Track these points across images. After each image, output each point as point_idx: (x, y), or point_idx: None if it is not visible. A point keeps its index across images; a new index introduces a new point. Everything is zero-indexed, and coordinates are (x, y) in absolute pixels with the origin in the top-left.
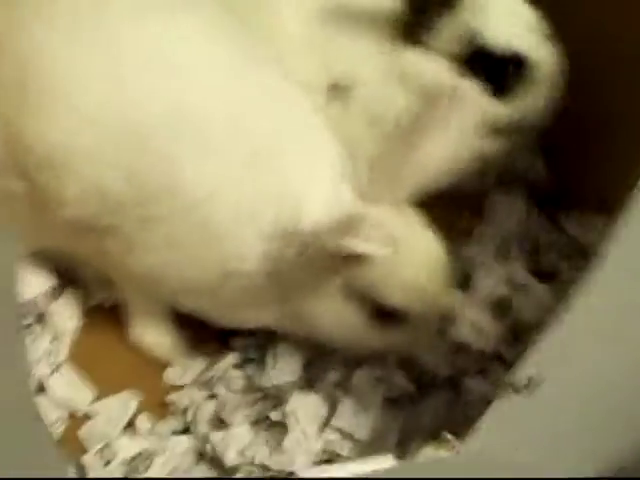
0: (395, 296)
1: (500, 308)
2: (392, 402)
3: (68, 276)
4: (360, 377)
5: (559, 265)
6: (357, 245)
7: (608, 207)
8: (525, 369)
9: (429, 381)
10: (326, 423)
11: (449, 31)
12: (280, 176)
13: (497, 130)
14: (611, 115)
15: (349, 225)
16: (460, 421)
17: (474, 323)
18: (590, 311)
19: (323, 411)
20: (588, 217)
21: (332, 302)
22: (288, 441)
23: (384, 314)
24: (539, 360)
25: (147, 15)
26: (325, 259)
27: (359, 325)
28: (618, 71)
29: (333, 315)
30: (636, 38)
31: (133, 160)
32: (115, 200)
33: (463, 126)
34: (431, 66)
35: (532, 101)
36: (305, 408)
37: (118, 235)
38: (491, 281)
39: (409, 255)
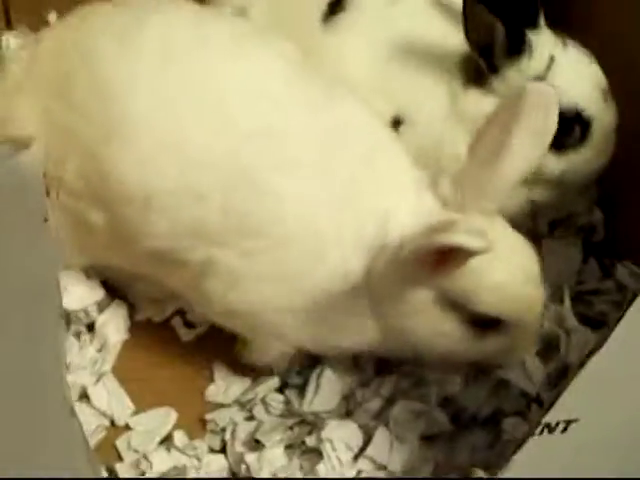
0: (490, 302)
1: (547, 350)
2: (429, 438)
3: (117, 289)
4: (399, 410)
5: (609, 313)
6: (454, 238)
7: None
8: (561, 411)
9: (468, 419)
10: (361, 452)
11: (514, 77)
12: (373, 194)
13: (549, 181)
14: None
15: (441, 226)
16: (495, 461)
17: (522, 364)
18: (625, 353)
19: (359, 441)
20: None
21: (429, 314)
22: (322, 467)
23: (481, 323)
24: (575, 402)
25: (245, 50)
26: (419, 266)
27: (457, 335)
28: None
29: (431, 327)
30: None
31: (229, 192)
32: (212, 233)
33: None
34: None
35: (587, 157)
36: (341, 436)
37: (219, 270)
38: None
39: (503, 259)
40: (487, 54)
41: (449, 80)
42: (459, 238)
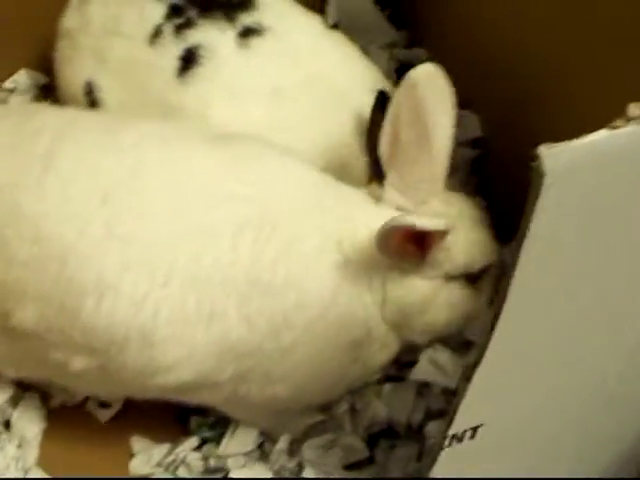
0: (475, 260)
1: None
2: (353, 465)
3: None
4: (309, 446)
5: None
6: (416, 221)
7: None
8: (464, 420)
9: (390, 434)
10: None
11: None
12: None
13: None
14: None
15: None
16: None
17: (436, 362)
18: (505, 350)
19: None
20: None
21: (441, 297)
22: None
23: (472, 280)
24: (478, 406)
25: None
26: (403, 259)
27: (465, 299)
28: None
29: (445, 306)
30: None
31: (245, 303)
32: (239, 347)
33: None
34: None
35: None
36: None
37: (253, 377)
38: None
39: (463, 226)
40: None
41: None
42: (419, 222)
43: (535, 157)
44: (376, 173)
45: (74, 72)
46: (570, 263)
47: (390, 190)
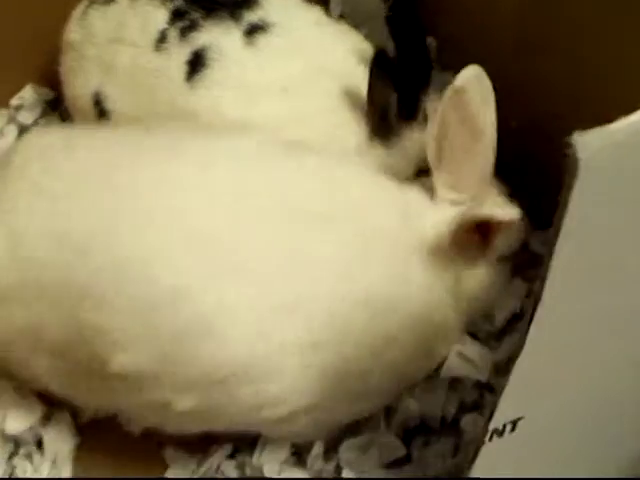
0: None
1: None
2: (390, 464)
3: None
4: (345, 449)
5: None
6: (493, 212)
7: None
8: (504, 413)
9: (424, 430)
10: None
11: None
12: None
13: None
14: None
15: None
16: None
17: (467, 357)
18: (552, 336)
19: None
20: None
21: (499, 277)
22: None
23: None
24: (518, 399)
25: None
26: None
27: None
28: None
29: (499, 284)
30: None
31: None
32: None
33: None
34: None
35: None
36: None
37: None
38: None
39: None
40: (385, 117)
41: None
42: (491, 211)
43: (569, 144)
44: (379, 133)
45: (81, 84)
46: (608, 251)
47: (441, 187)
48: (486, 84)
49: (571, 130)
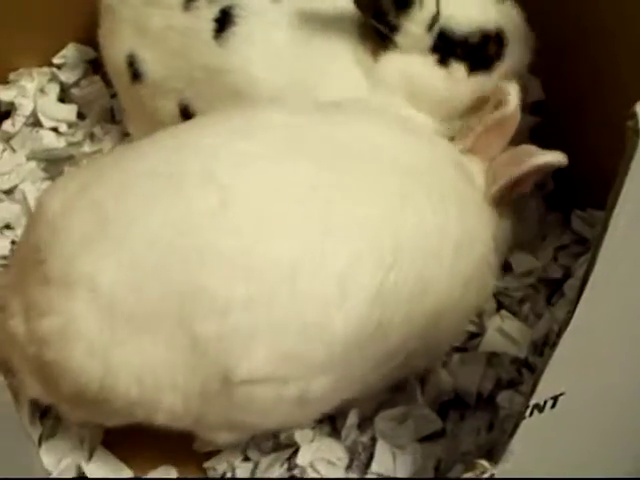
0: None
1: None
2: (426, 438)
3: None
4: (381, 419)
5: (570, 265)
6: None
7: None
8: (546, 388)
9: (459, 405)
10: (366, 469)
11: (413, 29)
12: None
13: None
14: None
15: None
16: (498, 441)
17: (506, 333)
18: (599, 315)
19: (342, 454)
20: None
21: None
22: None
23: None
24: (559, 374)
25: None
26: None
27: None
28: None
29: None
30: None
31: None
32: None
33: None
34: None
35: (511, 62)
36: (322, 456)
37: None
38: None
39: None
40: (380, 16)
41: (355, 53)
42: (548, 157)
43: (631, 116)
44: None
45: (116, 45)
46: None
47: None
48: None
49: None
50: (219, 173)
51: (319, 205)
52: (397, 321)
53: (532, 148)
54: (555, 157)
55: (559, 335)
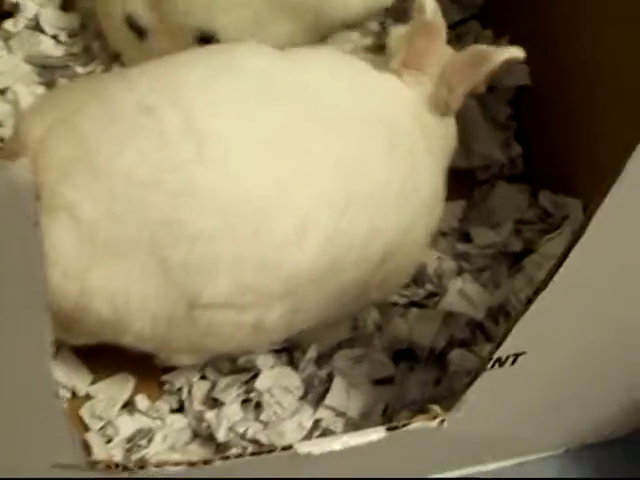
0: None
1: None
2: (378, 381)
3: None
4: (340, 357)
5: (534, 240)
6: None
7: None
8: (512, 343)
9: (413, 356)
10: (319, 402)
11: None
12: None
13: None
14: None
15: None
16: (445, 395)
17: (465, 294)
18: (571, 285)
19: (298, 384)
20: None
21: None
22: (264, 415)
23: None
24: (525, 334)
25: None
26: None
27: None
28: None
29: None
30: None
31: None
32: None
33: None
34: None
35: None
36: (279, 383)
37: None
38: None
39: None
40: None
41: None
42: (507, 53)
43: None
44: None
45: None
46: None
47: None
48: None
49: None
50: (198, 113)
51: (285, 149)
52: (349, 260)
53: (484, 48)
54: (514, 52)
55: (537, 292)
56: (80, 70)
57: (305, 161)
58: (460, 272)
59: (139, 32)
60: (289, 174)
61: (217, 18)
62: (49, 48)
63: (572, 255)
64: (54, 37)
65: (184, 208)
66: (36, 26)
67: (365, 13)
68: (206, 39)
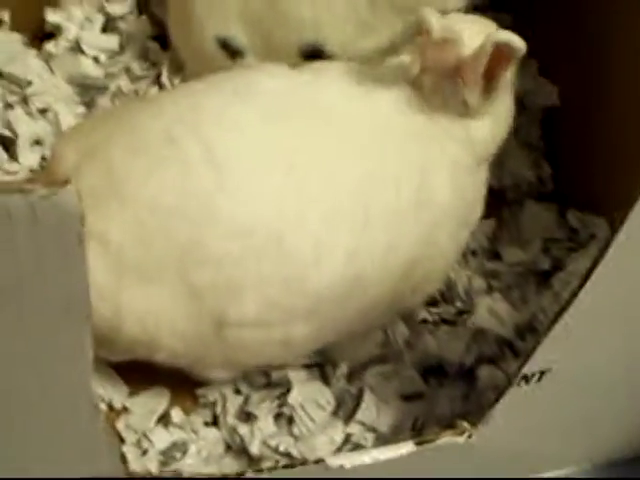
0: None
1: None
2: (407, 397)
3: None
4: (372, 373)
5: (562, 258)
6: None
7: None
8: (538, 361)
9: (443, 372)
10: (334, 412)
11: None
12: None
13: None
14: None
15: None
16: (474, 411)
17: (495, 311)
18: (596, 302)
19: (330, 399)
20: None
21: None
22: (296, 430)
23: None
24: (551, 351)
25: None
26: None
27: None
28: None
29: None
30: None
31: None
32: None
33: None
34: None
35: None
36: (311, 397)
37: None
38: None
39: None
40: None
41: None
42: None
43: None
44: None
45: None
46: None
47: None
48: None
49: None
50: (216, 141)
51: (302, 170)
52: (370, 276)
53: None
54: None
55: (563, 310)
56: (120, 90)
57: (322, 181)
58: (489, 290)
59: (233, 53)
60: (306, 195)
61: (324, 30)
62: (89, 69)
63: (597, 272)
64: (94, 58)
65: (207, 233)
66: (77, 47)
67: (464, 4)
68: (314, 53)
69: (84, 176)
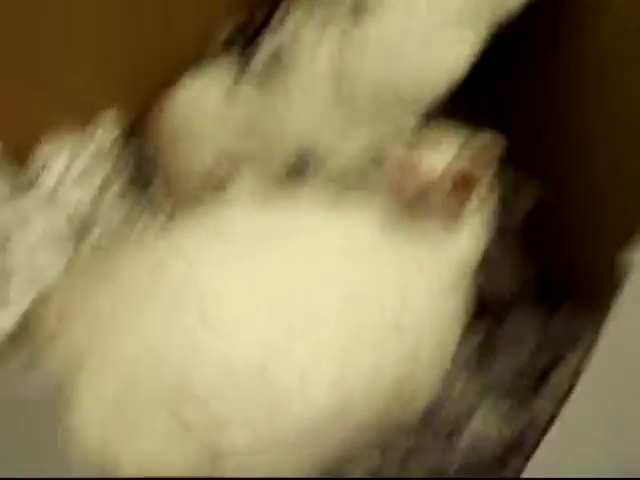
0: None
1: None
2: None
3: None
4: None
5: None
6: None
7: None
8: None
9: None
10: None
11: None
12: None
13: None
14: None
15: None
16: None
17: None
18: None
19: None
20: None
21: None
22: None
23: None
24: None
25: None
26: None
27: None
28: None
29: None
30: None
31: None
32: None
33: None
34: None
35: None
36: None
37: None
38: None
39: None
40: None
41: None
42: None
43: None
44: None
45: None
46: None
47: None
48: None
49: None
50: (200, 279)
51: (284, 301)
52: (358, 400)
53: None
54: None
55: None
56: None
57: (304, 310)
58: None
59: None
60: (289, 326)
61: (307, 139)
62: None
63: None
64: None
65: (193, 370)
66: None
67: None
68: (299, 168)
69: (72, 329)
